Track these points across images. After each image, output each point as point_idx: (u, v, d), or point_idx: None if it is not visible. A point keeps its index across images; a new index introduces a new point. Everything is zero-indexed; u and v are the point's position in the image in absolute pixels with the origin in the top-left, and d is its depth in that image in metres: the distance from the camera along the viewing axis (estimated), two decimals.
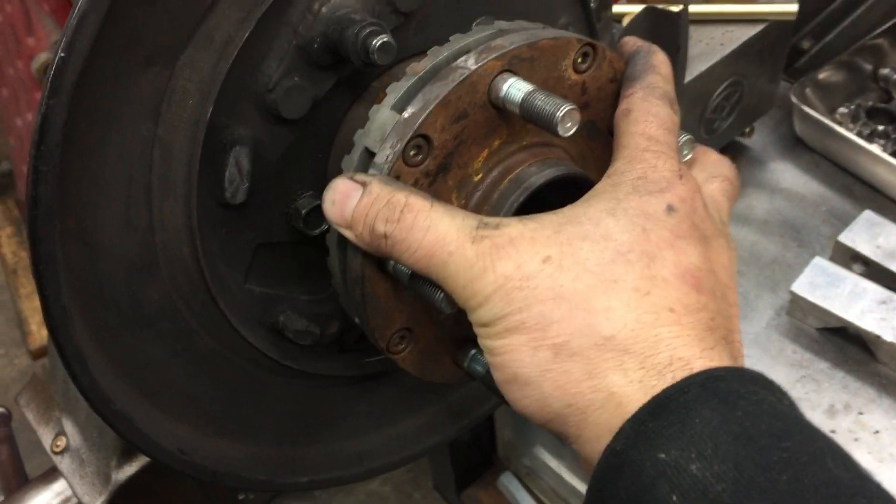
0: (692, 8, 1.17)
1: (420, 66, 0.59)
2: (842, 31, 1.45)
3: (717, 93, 1.17)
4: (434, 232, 0.53)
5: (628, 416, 0.48)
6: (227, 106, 0.59)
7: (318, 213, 0.65)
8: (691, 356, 0.49)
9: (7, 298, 2.52)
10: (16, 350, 2.46)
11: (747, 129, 1.34)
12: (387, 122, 0.58)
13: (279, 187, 0.64)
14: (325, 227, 0.65)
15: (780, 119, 1.41)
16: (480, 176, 0.61)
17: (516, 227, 0.53)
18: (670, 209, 0.54)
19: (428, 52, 0.59)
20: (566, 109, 0.53)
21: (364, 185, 0.55)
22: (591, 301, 0.50)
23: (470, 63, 0.57)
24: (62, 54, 0.50)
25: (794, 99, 1.30)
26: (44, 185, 0.52)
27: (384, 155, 0.57)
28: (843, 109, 1.37)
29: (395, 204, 0.54)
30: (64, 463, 0.89)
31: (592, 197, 0.55)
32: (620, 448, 0.47)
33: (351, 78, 0.63)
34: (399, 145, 0.56)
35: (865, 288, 1.11)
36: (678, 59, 0.85)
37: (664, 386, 0.48)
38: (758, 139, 1.39)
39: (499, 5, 0.69)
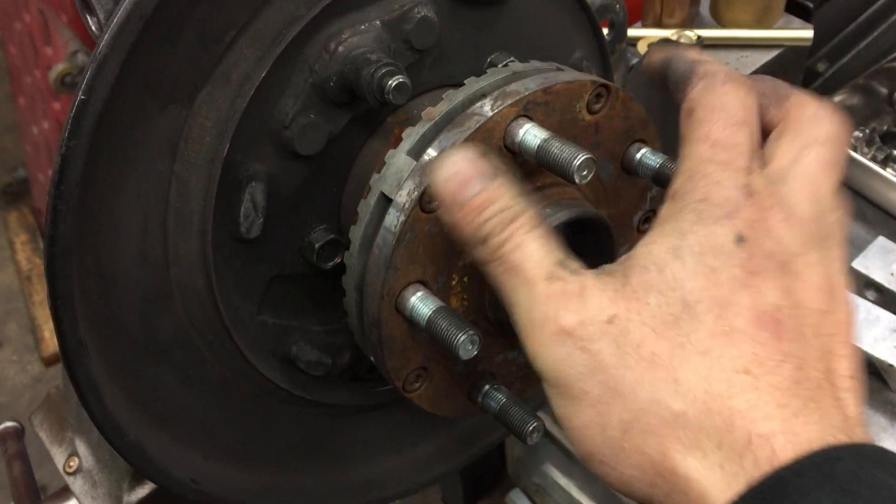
0: (707, 33, 1.17)
1: (436, 111, 0.59)
2: (857, 54, 1.45)
3: None
4: (521, 252, 0.49)
5: None
6: (243, 143, 0.59)
7: (331, 246, 0.66)
8: (770, 432, 0.43)
9: (21, 305, 2.55)
10: (28, 356, 2.48)
11: None
12: (403, 168, 0.58)
13: (293, 221, 0.65)
14: (338, 259, 0.66)
15: None
16: None
17: (590, 277, 0.48)
18: (740, 240, 0.47)
19: (443, 97, 0.60)
20: (582, 159, 0.53)
21: (490, 178, 0.50)
22: (658, 371, 0.45)
23: (486, 109, 0.57)
24: (82, 97, 0.50)
25: None
26: (62, 223, 0.53)
27: (401, 202, 0.57)
28: (857, 133, 1.37)
29: (511, 215, 0.50)
30: (76, 484, 0.89)
31: (657, 229, 0.50)
32: None
33: (366, 114, 0.64)
34: (416, 192, 0.57)
35: (879, 316, 1.10)
36: None
37: (748, 472, 0.43)
38: None
39: (513, 41, 0.70)
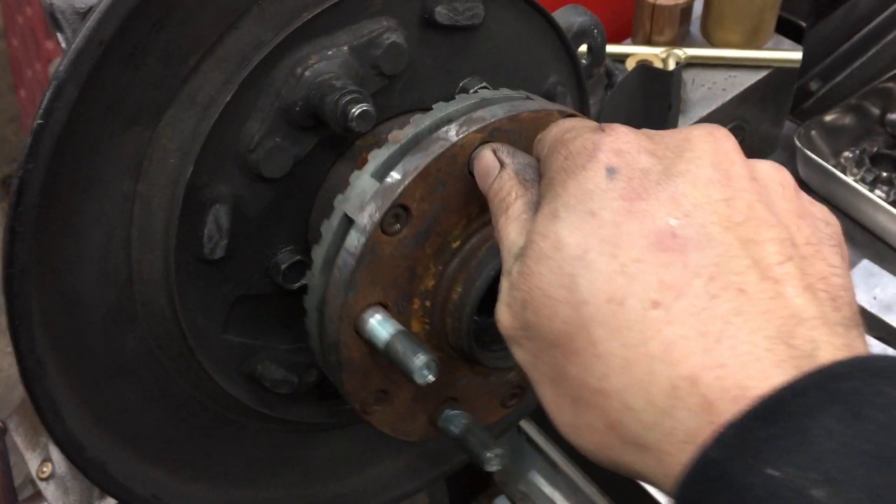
0: (696, 52, 1.17)
1: (402, 135, 0.59)
2: (851, 74, 1.44)
3: None
4: (501, 237, 0.51)
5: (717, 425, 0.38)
6: (207, 165, 0.60)
7: (297, 267, 0.66)
8: (691, 373, 0.39)
9: None
10: None
11: None
12: (367, 189, 0.58)
13: (259, 242, 0.65)
14: (303, 281, 0.66)
15: (784, 160, 1.40)
16: (459, 243, 0.61)
17: (510, 276, 0.49)
18: (611, 172, 0.45)
19: (410, 121, 0.60)
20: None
21: (501, 166, 0.54)
22: (575, 342, 0.43)
23: (451, 134, 0.57)
24: (40, 121, 0.51)
25: (797, 142, 1.30)
26: (20, 244, 0.53)
27: (363, 223, 0.57)
28: (847, 154, 1.37)
29: (506, 201, 0.52)
30: (49, 489, 0.90)
31: (540, 206, 0.49)
32: (717, 458, 0.38)
33: (333, 137, 0.64)
34: (378, 214, 0.57)
35: None
36: (669, 117, 0.86)
37: (680, 430, 0.40)
38: None
39: (487, 66, 0.70)
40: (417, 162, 0.57)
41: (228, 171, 0.61)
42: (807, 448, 0.36)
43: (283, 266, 0.65)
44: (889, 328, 1.12)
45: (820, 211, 0.47)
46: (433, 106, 0.61)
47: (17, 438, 0.93)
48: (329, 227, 0.60)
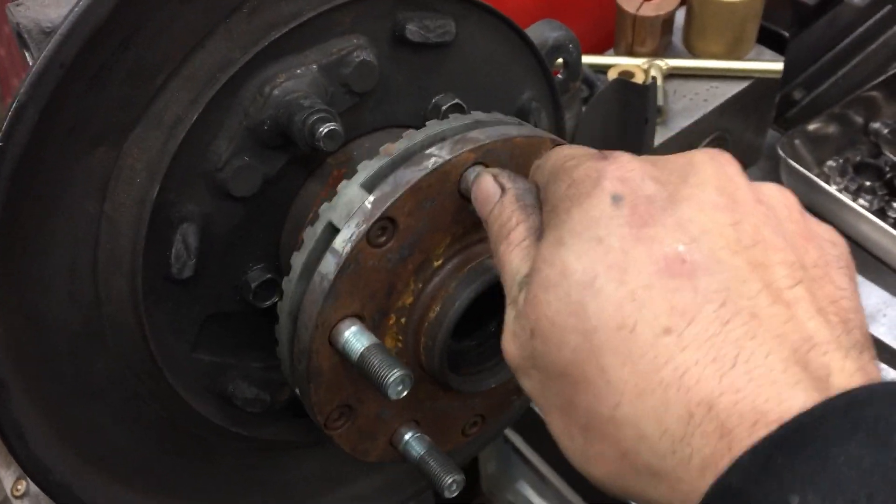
0: (678, 63, 1.17)
1: (393, 148, 0.59)
2: (835, 83, 1.44)
3: (700, 147, 1.17)
4: (503, 264, 0.51)
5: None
6: (175, 184, 0.59)
7: (268, 286, 0.65)
8: (708, 398, 0.39)
9: None
10: None
11: None
12: (354, 199, 0.57)
13: (229, 260, 0.64)
14: (275, 299, 0.66)
15: (768, 169, 1.40)
16: (441, 262, 0.61)
17: (518, 304, 0.48)
18: (616, 199, 0.44)
19: (404, 135, 0.59)
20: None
21: (502, 191, 0.53)
22: (585, 370, 0.42)
23: (444, 152, 0.57)
24: (0, 144, 0.50)
25: (780, 152, 1.30)
26: None
27: (348, 232, 0.57)
28: (831, 163, 1.36)
29: (507, 227, 0.51)
30: None
31: (543, 235, 0.48)
32: (737, 484, 0.37)
33: (304, 156, 0.63)
34: (364, 225, 0.56)
35: None
36: (646, 130, 0.85)
37: (693, 459, 0.39)
38: None
39: (460, 82, 0.69)
40: (409, 176, 0.57)
41: (196, 190, 0.60)
42: (830, 475, 0.36)
43: (254, 284, 0.65)
44: (872, 339, 1.12)
45: (826, 232, 0.47)
46: (426, 123, 0.60)
47: None
48: (312, 234, 0.59)
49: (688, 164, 0.46)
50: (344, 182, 0.59)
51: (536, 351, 0.45)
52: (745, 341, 0.40)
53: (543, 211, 0.50)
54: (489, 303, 0.61)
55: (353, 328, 0.58)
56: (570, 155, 0.50)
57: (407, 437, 0.65)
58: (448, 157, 0.57)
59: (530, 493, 1.73)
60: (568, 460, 0.46)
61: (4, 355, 0.57)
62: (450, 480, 0.62)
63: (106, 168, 0.58)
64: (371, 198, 0.57)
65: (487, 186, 0.55)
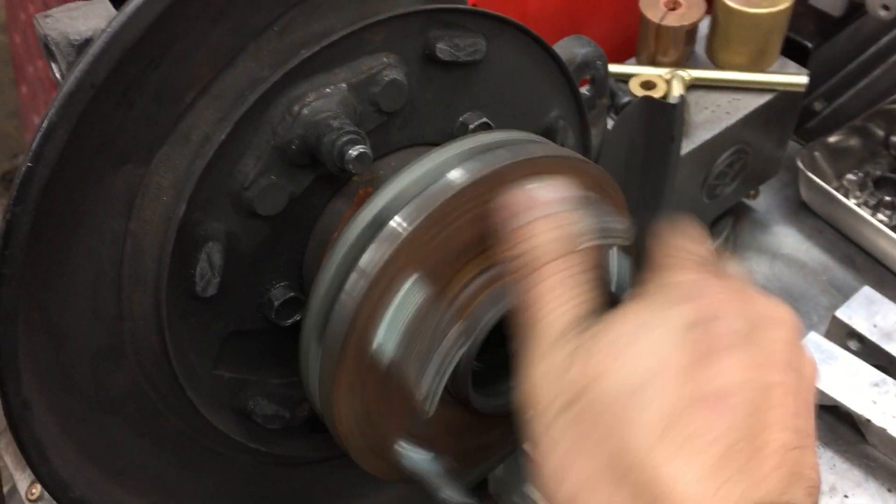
0: (700, 73, 1.15)
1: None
2: (856, 94, 1.43)
3: (721, 160, 1.16)
4: (538, 325, 0.52)
5: None
6: (201, 202, 0.58)
7: (291, 304, 0.65)
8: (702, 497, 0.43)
9: None
10: None
11: (752, 192, 1.33)
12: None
13: (253, 278, 0.64)
14: (297, 317, 0.65)
15: (787, 181, 1.39)
16: (460, 286, 0.60)
17: (571, 350, 0.49)
18: (700, 321, 0.48)
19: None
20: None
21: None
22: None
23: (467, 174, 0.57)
24: (29, 164, 0.49)
25: (799, 164, 1.29)
26: (6, 287, 0.52)
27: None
28: (850, 176, 1.35)
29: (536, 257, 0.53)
30: None
31: (617, 317, 0.50)
32: None
33: (330, 174, 0.63)
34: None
35: (859, 368, 1.09)
36: (672, 149, 0.84)
37: None
38: (762, 201, 1.37)
39: (488, 100, 0.68)
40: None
41: (222, 209, 0.60)
42: None
43: (277, 302, 0.64)
44: (889, 357, 1.11)
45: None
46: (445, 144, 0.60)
47: (7, 459, 0.93)
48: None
49: (771, 316, 0.50)
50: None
51: (562, 420, 0.48)
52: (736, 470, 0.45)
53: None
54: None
55: None
56: (678, 246, 0.54)
57: (422, 457, 0.65)
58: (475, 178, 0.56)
59: (537, 496, 1.72)
60: None
61: (28, 374, 0.56)
62: None
63: (132, 186, 0.57)
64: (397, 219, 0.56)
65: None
